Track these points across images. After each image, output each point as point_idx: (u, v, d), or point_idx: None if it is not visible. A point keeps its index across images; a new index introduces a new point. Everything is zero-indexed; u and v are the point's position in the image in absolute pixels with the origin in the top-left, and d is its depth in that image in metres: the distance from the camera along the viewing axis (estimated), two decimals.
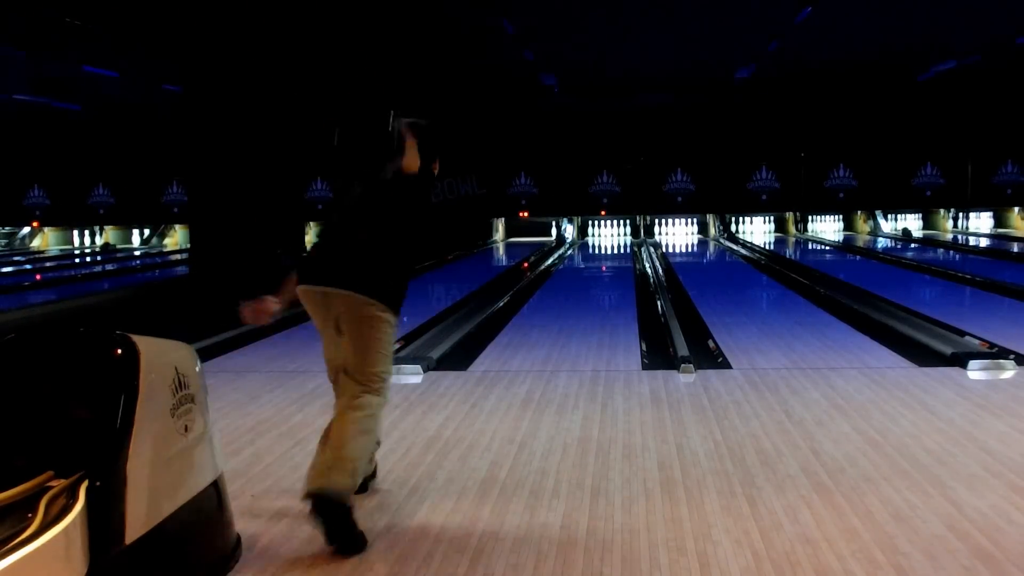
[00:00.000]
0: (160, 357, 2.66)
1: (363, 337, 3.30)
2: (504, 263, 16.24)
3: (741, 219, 22.09)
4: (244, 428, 4.71)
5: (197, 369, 2.87)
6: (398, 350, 6.82)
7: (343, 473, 3.10)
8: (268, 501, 3.58)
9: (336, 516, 3.04)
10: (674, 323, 7.69)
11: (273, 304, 3.45)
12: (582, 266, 16.25)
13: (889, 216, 22.08)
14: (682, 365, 5.95)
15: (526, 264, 15.43)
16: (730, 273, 14.33)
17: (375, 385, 3.33)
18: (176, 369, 2.70)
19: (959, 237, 20.14)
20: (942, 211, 21.76)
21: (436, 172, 3.72)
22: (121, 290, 13.59)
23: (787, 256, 16.76)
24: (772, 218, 22.27)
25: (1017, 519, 3.20)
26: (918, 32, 14.57)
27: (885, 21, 13.65)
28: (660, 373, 5.93)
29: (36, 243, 23.96)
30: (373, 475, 3.75)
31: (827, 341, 6.97)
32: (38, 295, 12.83)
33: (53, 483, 2.28)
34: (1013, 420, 4.52)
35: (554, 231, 22.20)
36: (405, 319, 7.86)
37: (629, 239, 21.44)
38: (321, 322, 3.42)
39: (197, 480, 2.78)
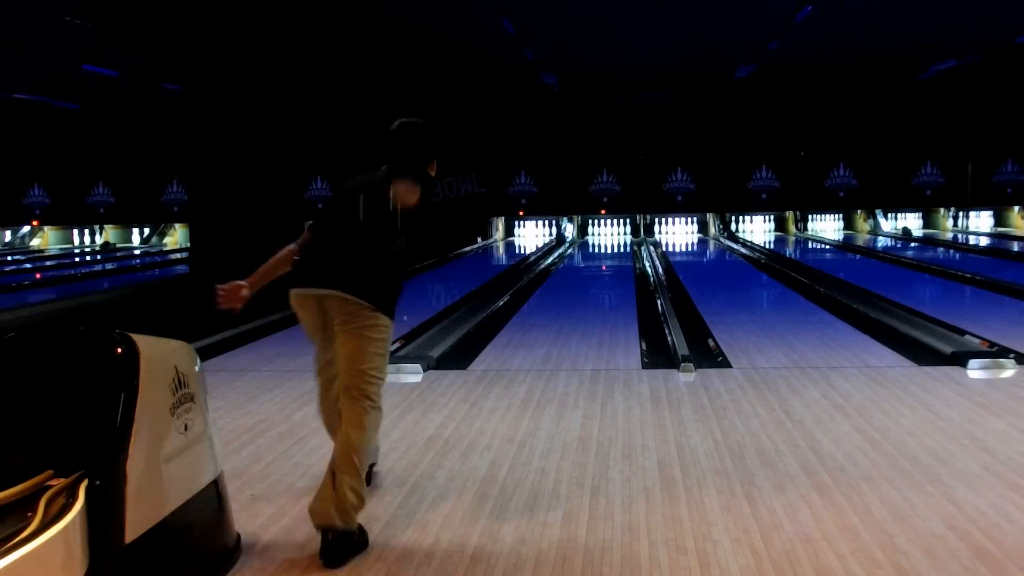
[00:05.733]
0: (160, 356, 2.66)
1: (357, 341, 3.20)
2: (504, 262, 16.23)
3: (741, 218, 22.09)
4: (244, 427, 4.71)
5: (197, 368, 2.86)
6: (397, 349, 6.82)
7: (352, 506, 3.06)
8: (268, 501, 3.57)
9: (345, 546, 3.02)
10: (674, 322, 7.69)
11: (243, 289, 3.43)
12: (582, 265, 16.25)
13: (889, 215, 22.08)
14: (682, 364, 5.95)
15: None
16: (730, 272, 14.33)
17: (370, 389, 3.21)
18: (176, 368, 2.70)
19: (959, 236, 20.14)
20: (942, 210, 21.76)
21: (433, 174, 3.59)
22: (121, 289, 13.59)
23: (787, 255, 16.76)
24: (772, 217, 22.27)
25: (1017, 518, 3.20)
26: (918, 31, 14.56)
27: (885, 20, 13.65)
28: (660, 372, 5.93)
29: (36, 242, 23.96)
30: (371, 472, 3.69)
31: (827, 340, 6.97)
32: (38, 294, 12.83)
33: (53, 482, 2.28)
34: (1013, 419, 4.52)
35: (553, 230, 22.22)
36: (405, 318, 7.88)
37: (629, 238, 21.44)
38: (312, 328, 3.39)
39: (197, 479, 2.78)
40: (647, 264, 14.31)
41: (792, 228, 22.02)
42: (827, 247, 18.38)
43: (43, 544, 2.08)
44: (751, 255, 16.35)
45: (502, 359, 6.50)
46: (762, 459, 3.94)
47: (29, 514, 2.17)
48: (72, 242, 24.10)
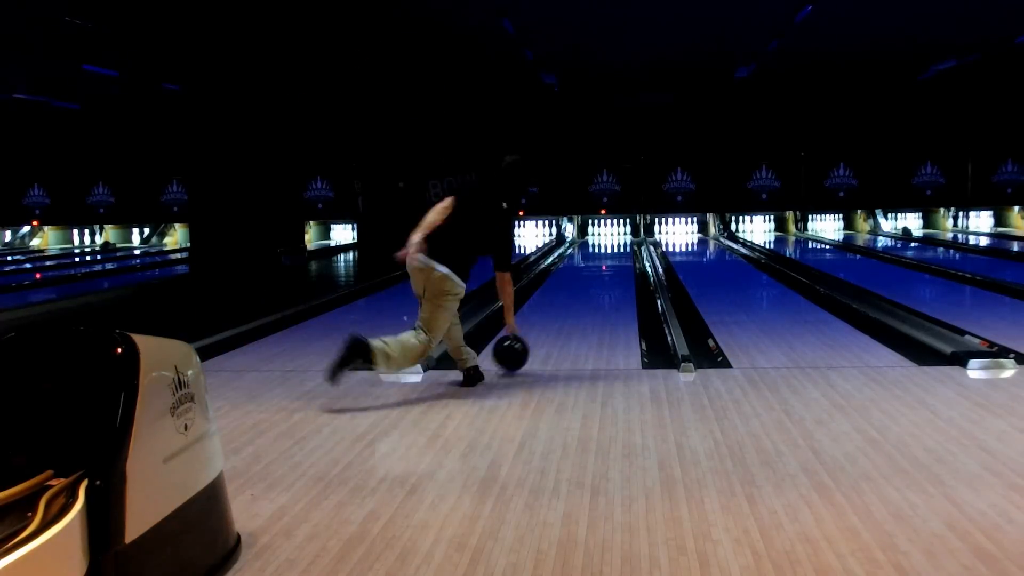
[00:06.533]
0: (160, 356, 2.65)
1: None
2: None
3: (741, 218, 22.10)
4: (244, 427, 4.71)
5: (197, 368, 2.86)
6: None
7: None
8: (268, 501, 3.57)
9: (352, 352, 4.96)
10: (674, 322, 7.69)
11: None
12: (582, 265, 16.25)
13: (889, 215, 22.09)
14: (682, 364, 5.95)
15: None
16: (730, 272, 14.33)
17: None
18: (176, 368, 2.69)
19: (959, 236, 20.14)
20: (942, 210, 21.77)
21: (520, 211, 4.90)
22: (121, 289, 13.59)
23: (787, 255, 16.76)
24: (772, 217, 22.28)
25: (1017, 518, 3.20)
26: (918, 31, 14.57)
27: (885, 20, 13.66)
28: (660, 372, 5.93)
29: (36, 242, 23.97)
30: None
31: (827, 340, 6.97)
32: (38, 294, 12.83)
33: (53, 482, 2.28)
34: (1013, 419, 4.52)
35: (553, 230, 22.23)
36: (405, 317, 7.87)
37: (629, 238, 21.45)
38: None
39: (197, 479, 2.78)
40: (647, 264, 14.32)
41: (792, 228, 22.03)
42: (827, 247, 18.38)
43: (43, 544, 2.08)
44: (751, 255, 16.35)
45: None
46: (762, 459, 3.94)
47: (29, 514, 2.17)
48: (72, 242, 24.11)
